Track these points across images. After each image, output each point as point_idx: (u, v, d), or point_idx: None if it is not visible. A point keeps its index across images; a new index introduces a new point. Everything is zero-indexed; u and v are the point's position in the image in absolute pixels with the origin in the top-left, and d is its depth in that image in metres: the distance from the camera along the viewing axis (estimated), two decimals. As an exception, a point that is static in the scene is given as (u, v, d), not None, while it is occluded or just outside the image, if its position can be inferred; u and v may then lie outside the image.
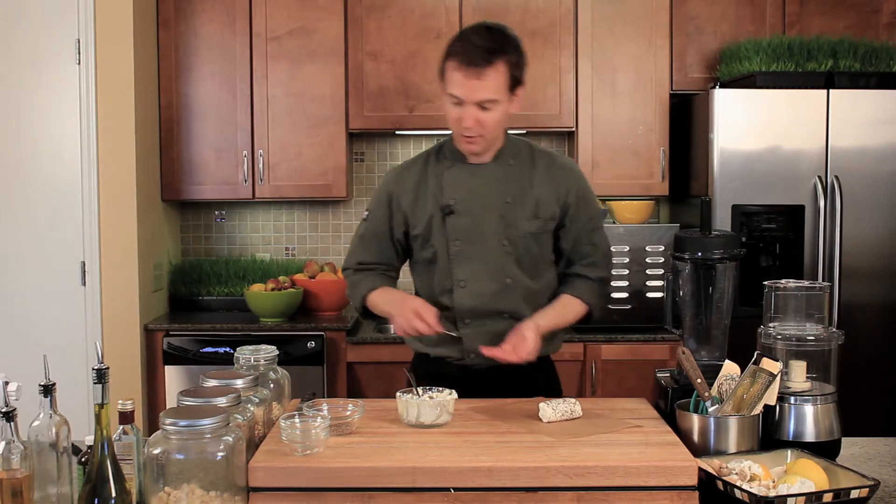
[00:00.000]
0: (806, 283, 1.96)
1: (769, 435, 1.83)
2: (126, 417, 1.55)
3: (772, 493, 1.52)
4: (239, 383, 1.71)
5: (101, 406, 1.42)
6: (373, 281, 2.27)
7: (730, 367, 1.88)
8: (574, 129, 3.90)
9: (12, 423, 1.48)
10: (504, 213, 2.15)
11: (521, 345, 2.04)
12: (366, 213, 2.30)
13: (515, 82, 2.09)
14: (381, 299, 2.23)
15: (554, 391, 2.31)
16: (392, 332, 3.97)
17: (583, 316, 2.26)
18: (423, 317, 2.06)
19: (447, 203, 2.17)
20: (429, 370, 2.21)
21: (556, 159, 2.24)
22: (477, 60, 2.02)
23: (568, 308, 2.22)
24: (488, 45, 2.03)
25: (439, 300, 2.20)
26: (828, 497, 1.51)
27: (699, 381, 1.83)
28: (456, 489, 1.58)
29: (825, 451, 1.78)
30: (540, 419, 1.87)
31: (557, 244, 2.25)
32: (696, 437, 1.77)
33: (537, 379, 2.27)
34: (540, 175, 2.19)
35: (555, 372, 2.36)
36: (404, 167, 2.28)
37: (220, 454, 1.47)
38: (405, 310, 2.09)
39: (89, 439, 1.54)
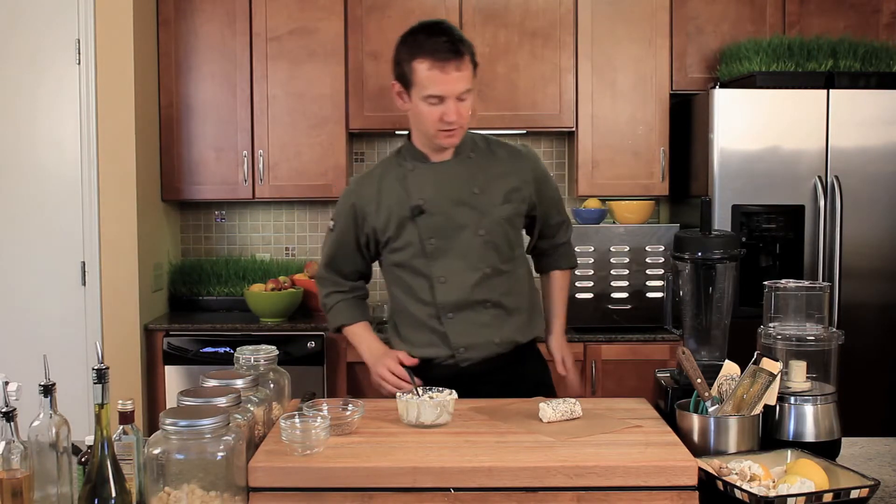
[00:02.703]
0: (806, 283, 1.96)
1: (769, 435, 1.83)
2: (126, 417, 1.55)
3: (772, 493, 1.52)
4: (239, 383, 1.71)
5: (101, 406, 1.42)
6: (349, 311, 2.36)
7: (730, 367, 1.88)
8: (574, 129, 3.90)
9: (12, 423, 1.48)
10: (475, 205, 2.20)
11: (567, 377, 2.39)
12: (331, 222, 2.34)
13: (476, 68, 2.17)
14: (359, 340, 2.34)
15: (545, 380, 2.35)
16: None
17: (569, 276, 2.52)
18: (394, 377, 2.17)
19: (416, 204, 2.19)
20: (416, 372, 2.21)
21: (513, 147, 2.32)
22: (451, 56, 2.06)
23: (563, 285, 2.48)
24: (454, 38, 2.08)
25: (420, 297, 2.23)
26: (828, 497, 1.51)
27: (699, 381, 1.83)
28: (456, 489, 1.58)
29: (825, 451, 1.78)
30: (540, 419, 1.87)
31: (529, 226, 2.38)
32: (696, 437, 1.77)
33: (526, 369, 2.30)
34: (504, 163, 2.25)
35: (543, 360, 2.40)
36: (364, 177, 2.33)
37: (220, 454, 1.47)
38: (379, 368, 2.21)
39: (89, 439, 1.54)
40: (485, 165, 2.23)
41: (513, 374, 2.27)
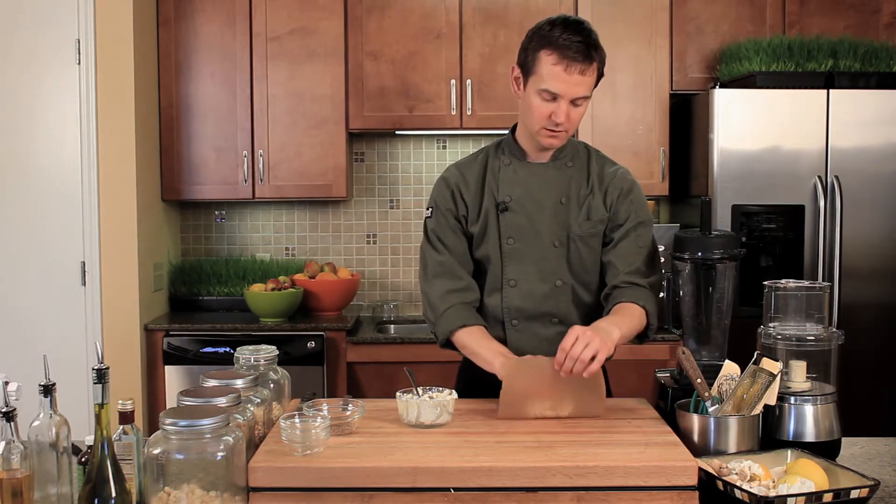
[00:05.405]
0: (806, 283, 1.96)
1: (769, 435, 1.83)
2: (126, 417, 1.55)
3: (772, 493, 1.52)
4: (239, 383, 1.71)
5: (101, 406, 1.42)
6: (468, 312, 2.13)
7: (730, 367, 1.88)
8: (574, 129, 3.90)
9: (12, 423, 1.48)
10: (557, 213, 2.11)
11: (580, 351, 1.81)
12: (428, 210, 2.22)
13: (600, 79, 2.07)
14: (481, 346, 2.06)
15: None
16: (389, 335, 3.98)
17: (642, 326, 2.05)
18: None
19: (503, 200, 2.13)
20: (475, 375, 2.14)
21: (608, 164, 2.18)
22: (581, 57, 1.97)
23: (632, 314, 2.01)
24: (590, 41, 1.99)
25: (487, 300, 2.16)
26: (828, 497, 1.51)
27: (699, 381, 1.84)
28: (456, 489, 1.58)
29: (825, 451, 1.79)
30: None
31: (605, 255, 2.14)
32: (696, 437, 1.77)
33: None
34: (593, 179, 2.14)
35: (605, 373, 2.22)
36: (465, 163, 2.23)
37: (220, 454, 1.47)
38: None
39: (89, 439, 1.54)
40: (578, 177, 2.14)
41: None
